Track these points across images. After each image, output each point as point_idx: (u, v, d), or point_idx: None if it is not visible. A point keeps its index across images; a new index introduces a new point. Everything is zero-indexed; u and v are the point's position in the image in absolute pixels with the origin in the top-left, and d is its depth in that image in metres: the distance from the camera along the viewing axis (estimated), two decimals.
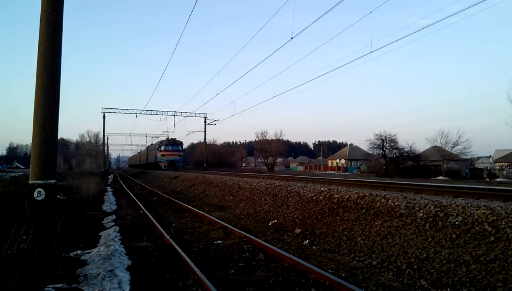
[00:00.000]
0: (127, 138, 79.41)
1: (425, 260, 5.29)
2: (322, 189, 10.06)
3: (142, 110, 44.89)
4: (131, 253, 6.62)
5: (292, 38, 14.64)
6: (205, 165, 46.98)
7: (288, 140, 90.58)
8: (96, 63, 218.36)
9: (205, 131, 47.98)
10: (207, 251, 6.83)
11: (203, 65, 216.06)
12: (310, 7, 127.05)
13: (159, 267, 5.76)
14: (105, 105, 60.37)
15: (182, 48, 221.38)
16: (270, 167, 70.33)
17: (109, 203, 15.54)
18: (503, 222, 5.14)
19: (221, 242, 7.46)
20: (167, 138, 49.37)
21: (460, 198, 7.83)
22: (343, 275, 5.22)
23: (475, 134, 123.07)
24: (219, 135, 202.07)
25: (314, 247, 7.06)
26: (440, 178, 39.54)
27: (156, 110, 45.39)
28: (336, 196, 8.82)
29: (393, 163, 46.21)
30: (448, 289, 4.60)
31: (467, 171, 43.95)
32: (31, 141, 6.46)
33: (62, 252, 6.07)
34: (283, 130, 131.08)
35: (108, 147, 72.75)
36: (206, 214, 10.86)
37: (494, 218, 5.31)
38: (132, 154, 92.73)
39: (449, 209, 6.02)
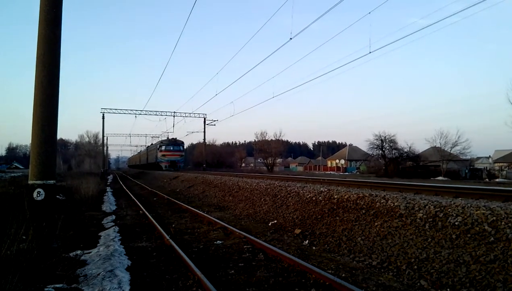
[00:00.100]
0: (126, 139, 79.38)
1: (425, 260, 5.30)
2: (321, 189, 10.06)
3: (141, 110, 44.99)
4: (131, 253, 6.61)
5: (291, 38, 14.68)
6: (204, 165, 46.89)
7: (287, 140, 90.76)
8: (96, 63, 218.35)
9: (204, 131, 48.00)
10: (207, 251, 6.82)
11: (202, 65, 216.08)
12: (310, 7, 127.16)
13: (159, 267, 5.76)
14: (104, 106, 60.37)
15: (181, 48, 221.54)
16: (269, 167, 70.33)
17: (109, 203, 15.53)
18: (503, 222, 5.15)
19: (221, 242, 7.46)
20: (168, 138, 48.68)
21: (460, 198, 7.83)
22: (343, 275, 5.22)
23: (474, 134, 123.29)
24: (218, 135, 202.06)
25: (314, 247, 7.06)
26: (440, 178, 39.56)
27: (156, 111, 45.49)
28: (335, 196, 8.82)
29: (393, 163, 46.23)
30: (448, 290, 4.61)
31: (466, 171, 43.99)
32: (30, 141, 6.46)
33: (61, 252, 6.07)
34: (283, 130, 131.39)
35: (107, 147, 72.71)
36: (205, 214, 10.85)
37: (494, 218, 5.31)
38: (132, 154, 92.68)
39: (449, 209, 6.03)
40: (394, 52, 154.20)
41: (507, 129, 59.37)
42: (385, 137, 47.89)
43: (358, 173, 64.35)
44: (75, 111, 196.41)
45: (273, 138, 72.59)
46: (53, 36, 6.48)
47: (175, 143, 47.23)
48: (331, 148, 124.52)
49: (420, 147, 51.70)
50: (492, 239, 4.99)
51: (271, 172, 59.05)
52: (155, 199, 17.37)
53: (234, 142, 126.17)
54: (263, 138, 73.49)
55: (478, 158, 63.64)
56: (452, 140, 44.87)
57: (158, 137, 58.45)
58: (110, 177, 45.69)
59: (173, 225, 9.61)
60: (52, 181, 6.36)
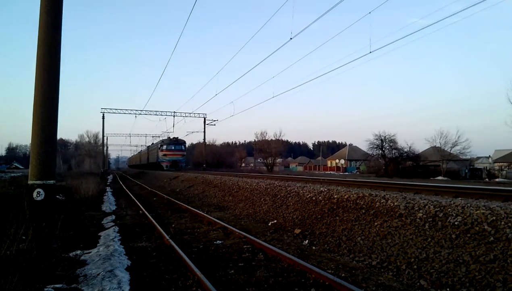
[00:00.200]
0: (126, 139, 79.38)
1: (425, 260, 5.30)
2: (321, 189, 10.06)
3: (141, 110, 44.93)
4: (130, 253, 6.61)
5: (291, 38, 14.68)
6: (204, 165, 46.80)
7: (287, 140, 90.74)
8: (96, 63, 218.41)
9: (204, 131, 47.90)
10: (207, 251, 6.82)
11: (202, 65, 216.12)
12: (310, 7, 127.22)
13: (158, 267, 5.76)
14: (104, 106, 60.49)
15: (181, 48, 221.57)
16: (269, 167, 70.36)
17: (109, 203, 15.53)
18: (503, 222, 5.15)
19: (220, 242, 7.46)
20: (169, 137, 47.65)
21: (460, 198, 7.83)
22: (343, 275, 5.22)
23: (474, 134, 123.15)
24: (218, 135, 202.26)
25: (313, 247, 7.06)
26: (440, 178, 39.58)
27: (156, 111, 45.41)
28: (335, 196, 8.82)
29: (393, 163, 46.24)
30: (448, 289, 4.61)
31: (466, 171, 43.99)
32: (30, 141, 6.46)
33: (61, 252, 6.07)
34: (283, 130, 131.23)
35: (107, 147, 72.70)
36: (205, 214, 10.85)
37: (494, 218, 5.31)
38: (132, 154, 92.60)
39: (449, 209, 6.03)
40: (394, 52, 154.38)
41: (507, 129, 59.41)
42: (385, 137, 47.96)
43: (358, 172, 64.36)
44: (75, 111, 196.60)
45: (273, 138, 72.71)
46: (53, 37, 6.49)
47: (176, 142, 46.32)
48: (331, 148, 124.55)
49: (420, 146, 51.80)
50: (491, 238, 4.99)
51: (271, 172, 59.06)
52: (155, 198, 17.37)
53: (234, 142, 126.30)
54: (263, 138, 73.57)
55: (478, 158, 63.65)
56: (452, 140, 44.97)
57: (159, 137, 57.94)
58: (110, 177, 45.67)
59: (173, 225, 9.61)
60: (52, 181, 6.36)
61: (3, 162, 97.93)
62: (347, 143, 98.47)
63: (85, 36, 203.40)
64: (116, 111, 44.66)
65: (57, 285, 4.58)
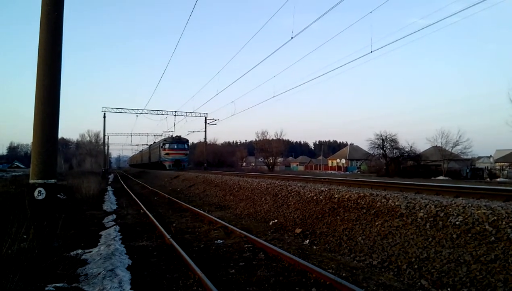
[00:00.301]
0: (127, 138, 79.80)
1: (426, 260, 5.29)
2: (322, 188, 10.06)
3: (142, 110, 44.91)
4: (131, 252, 6.62)
5: (292, 38, 14.67)
6: (205, 164, 46.81)
7: (288, 140, 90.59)
8: (96, 63, 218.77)
9: (205, 131, 47.92)
10: (208, 250, 6.83)
11: (203, 65, 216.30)
12: (310, 7, 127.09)
13: (159, 267, 5.76)
14: (105, 105, 60.56)
15: (182, 48, 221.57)
16: (270, 166, 70.38)
17: (110, 202, 15.55)
18: (504, 222, 5.14)
19: (221, 241, 7.46)
20: (172, 136, 46.64)
21: (461, 198, 7.82)
22: (344, 275, 5.22)
23: (475, 134, 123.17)
24: (219, 135, 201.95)
25: (314, 247, 7.06)
26: (441, 177, 39.52)
27: (157, 110, 45.37)
28: (336, 196, 8.81)
29: (394, 163, 46.20)
30: (449, 289, 4.60)
31: (467, 170, 43.93)
32: (31, 141, 6.47)
33: (62, 251, 6.08)
34: (284, 130, 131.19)
35: (108, 147, 72.89)
36: (206, 214, 10.86)
37: (495, 218, 5.31)
38: (133, 153, 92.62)
39: (450, 209, 6.02)
40: (394, 52, 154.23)
41: (508, 129, 59.30)
42: (386, 136, 47.88)
43: (359, 172, 64.32)
44: (76, 110, 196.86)
45: (274, 138, 72.71)
46: (54, 36, 6.49)
47: (179, 141, 45.22)
48: (332, 147, 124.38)
49: (421, 146, 51.79)
50: (493, 238, 4.98)
51: (272, 171, 59.07)
52: (156, 198, 17.38)
53: (235, 142, 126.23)
54: (264, 138, 73.58)
55: (479, 158, 63.60)
56: (453, 140, 44.92)
57: (161, 135, 57.23)
58: (111, 176, 45.70)
59: (174, 224, 9.62)
60: (53, 180, 6.37)
61: (5, 161, 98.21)
62: (348, 143, 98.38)
63: (86, 36, 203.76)
64: (117, 111, 44.65)
65: (58, 284, 4.58)
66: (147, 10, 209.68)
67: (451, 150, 45.41)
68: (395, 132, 51.09)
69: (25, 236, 5.33)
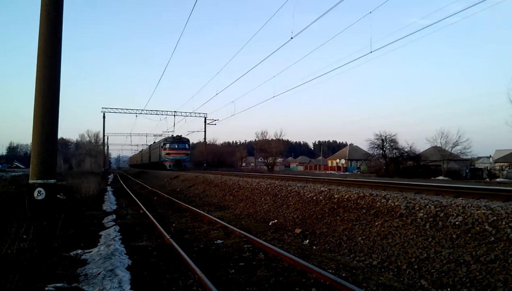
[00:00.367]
0: (127, 138, 79.75)
1: (426, 260, 5.29)
2: (322, 189, 10.06)
3: (142, 110, 44.92)
4: (131, 252, 6.62)
5: (292, 38, 14.67)
6: (205, 164, 46.74)
7: (288, 140, 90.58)
8: (96, 63, 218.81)
9: (205, 131, 47.88)
10: (207, 250, 6.83)
11: (203, 65, 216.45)
12: (310, 7, 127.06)
13: (159, 267, 5.76)
14: (105, 105, 60.53)
15: (182, 48, 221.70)
16: (270, 166, 70.36)
17: (109, 202, 15.54)
18: (504, 222, 5.14)
19: (221, 241, 7.46)
20: (173, 136, 46.13)
21: (460, 198, 7.83)
22: (344, 275, 5.22)
23: (475, 134, 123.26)
24: (219, 135, 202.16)
25: (314, 247, 7.06)
26: (440, 178, 39.56)
27: (156, 110, 45.37)
28: (336, 196, 8.82)
29: (393, 163, 46.24)
30: (449, 289, 4.60)
31: (467, 171, 43.97)
32: (31, 141, 6.46)
33: (62, 251, 6.07)
34: (283, 130, 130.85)
35: (108, 147, 72.80)
36: (206, 214, 10.85)
37: (495, 218, 5.31)
38: (133, 153, 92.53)
39: (449, 209, 6.02)
40: (394, 52, 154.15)
41: (507, 129, 59.36)
42: (385, 137, 47.94)
43: (358, 172, 64.34)
44: (76, 110, 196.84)
45: (274, 138, 72.69)
46: (54, 36, 6.49)
47: (180, 141, 44.60)
48: (331, 148, 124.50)
49: (421, 146, 51.82)
50: (492, 238, 4.99)
51: (271, 172, 59.08)
52: (155, 198, 17.38)
53: (234, 142, 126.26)
54: (264, 138, 73.57)
55: (479, 158, 63.58)
56: (452, 140, 44.98)
57: (161, 135, 56.80)
58: (110, 176, 45.66)
59: (174, 225, 9.62)
60: (52, 180, 6.36)
61: (4, 161, 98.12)
62: (348, 143, 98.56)
63: (85, 36, 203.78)
64: (117, 111, 44.66)
65: (58, 284, 4.58)
66: (147, 10, 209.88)
67: (451, 150, 45.47)
68: (395, 132, 51.16)
69: (24, 236, 5.33)
